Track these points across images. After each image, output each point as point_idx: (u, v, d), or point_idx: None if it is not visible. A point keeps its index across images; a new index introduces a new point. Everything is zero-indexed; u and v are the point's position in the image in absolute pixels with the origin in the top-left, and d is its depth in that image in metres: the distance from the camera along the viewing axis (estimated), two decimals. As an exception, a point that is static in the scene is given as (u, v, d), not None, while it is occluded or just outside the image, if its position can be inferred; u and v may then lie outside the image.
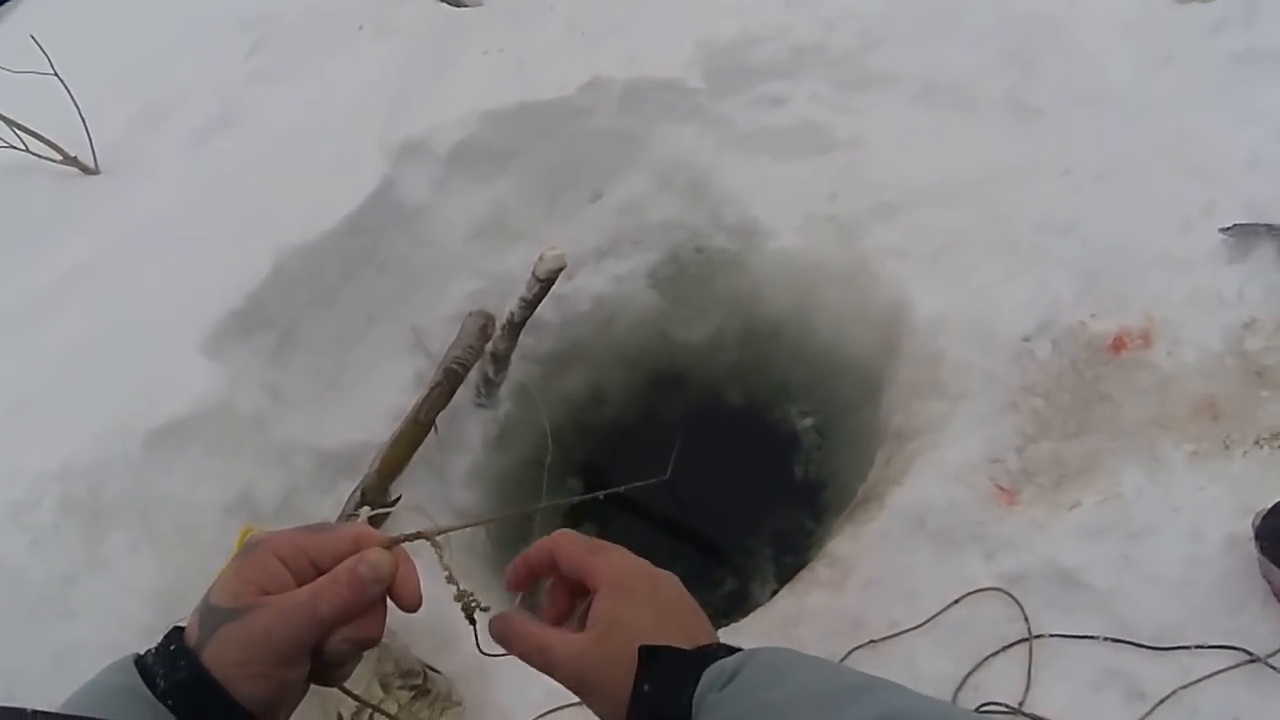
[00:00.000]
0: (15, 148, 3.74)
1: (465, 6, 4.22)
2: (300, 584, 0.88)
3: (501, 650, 0.98)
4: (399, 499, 3.21)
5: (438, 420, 3.34)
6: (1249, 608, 2.41)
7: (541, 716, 2.72)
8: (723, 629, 2.86)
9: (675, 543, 3.79)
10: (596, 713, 0.96)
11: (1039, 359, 3.03)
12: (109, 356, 3.07)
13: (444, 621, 3.00)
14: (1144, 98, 3.34)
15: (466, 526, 1.21)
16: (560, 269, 3.14)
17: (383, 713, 2.68)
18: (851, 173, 3.62)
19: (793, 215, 3.67)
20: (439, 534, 1.02)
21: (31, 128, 3.72)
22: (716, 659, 0.88)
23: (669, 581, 0.99)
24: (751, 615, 2.88)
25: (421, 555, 2.87)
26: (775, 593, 3.05)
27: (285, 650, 0.85)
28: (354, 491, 3.15)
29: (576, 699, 2.77)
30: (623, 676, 0.90)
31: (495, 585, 3.32)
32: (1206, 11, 3.31)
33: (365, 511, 3.04)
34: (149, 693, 0.82)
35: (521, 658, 0.98)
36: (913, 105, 3.67)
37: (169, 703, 0.81)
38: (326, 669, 0.91)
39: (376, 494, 3.16)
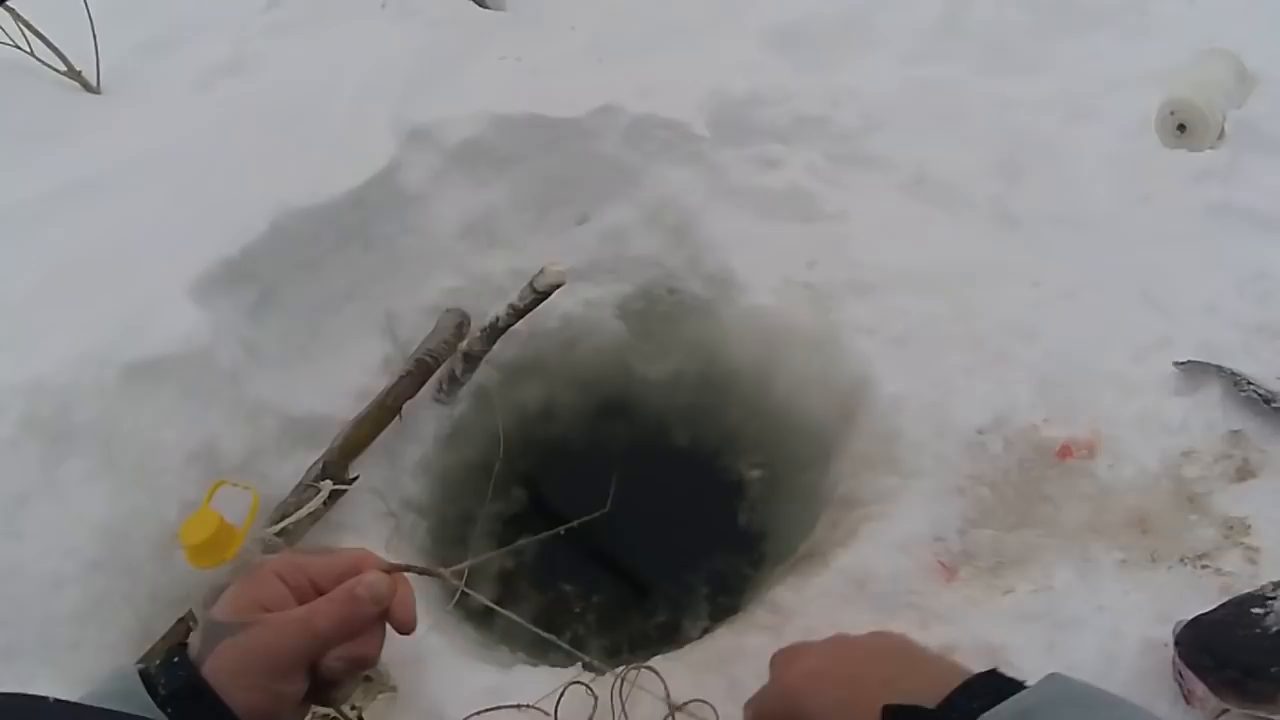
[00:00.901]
0: (20, 48, 3.66)
1: (489, 8, 4.29)
2: (300, 602, 0.94)
3: None
4: (357, 478, 3.23)
5: (402, 408, 3.38)
6: (1158, 705, 2.57)
7: (476, 715, 2.77)
8: (657, 657, 2.95)
9: (611, 571, 3.86)
10: None
11: (990, 452, 3.21)
12: (92, 280, 3.03)
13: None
14: (1118, 229, 3.57)
15: (469, 564, 1.31)
16: (559, 285, 3.22)
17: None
18: (833, 245, 3.77)
19: (770, 275, 3.80)
20: (451, 570, 1.11)
21: (40, 29, 3.65)
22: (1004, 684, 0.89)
23: (864, 646, 1.02)
24: (690, 645, 2.96)
25: (368, 535, 2.89)
26: (707, 629, 3.16)
27: (281, 664, 0.90)
28: (315, 463, 3.16)
29: (513, 702, 2.84)
30: None
31: (435, 583, 3.35)
32: (1191, 160, 3.58)
33: (328, 485, 3.05)
34: (149, 699, 0.87)
35: None
36: (901, 192, 3.85)
37: (168, 710, 0.86)
38: (324, 689, 0.96)
39: (337, 469, 3.17)
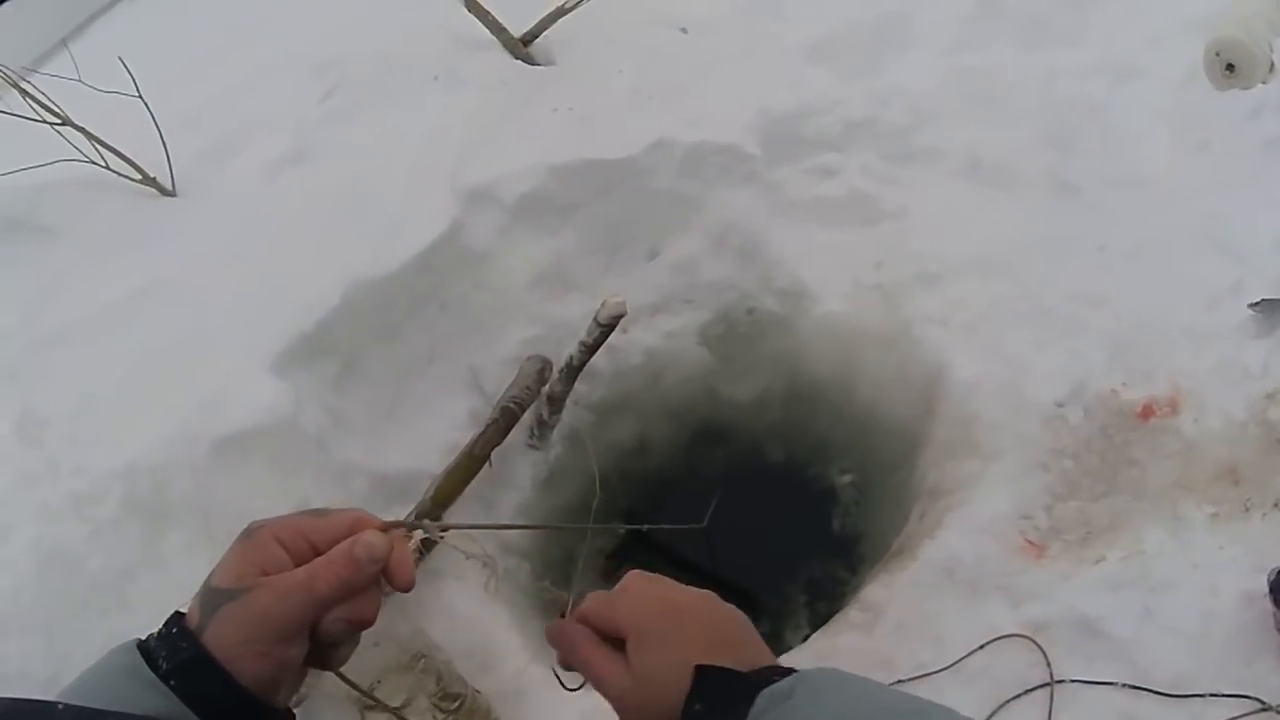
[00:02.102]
0: (96, 164, 3.91)
1: (538, 65, 4.46)
2: (299, 565, 0.90)
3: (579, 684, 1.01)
4: (449, 528, 3.36)
5: (491, 456, 3.51)
6: (1262, 659, 2.51)
7: (571, 740, 2.85)
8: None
9: (711, 587, 3.90)
10: None
11: (1070, 423, 3.17)
12: (177, 366, 3.24)
13: (484, 643, 3.17)
14: (1178, 180, 3.50)
15: (468, 528, 1.28)
16: (621, 315, 3.31)
17: (393, 712, 2.82)
18: (897, 243, 3.80)
19: (840, 281, 3.84)
20: (442, 529, 1.12)
21: (112, 144, 3.92)
22: (771, 682, 0.87)
23: (701, 609, 1.01)
24: (785, 655, 2.99)
25: (465, 578, 2.99)
26: (807, 636, 3.18)
27: (284, 628, 0.87)
28: (408, 515, 3.31)
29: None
30: (665, 713, 0.90)
31: (538, 618, 3.47)
32: (1244, 98, 3.47)
33: (419, 534, 3.19)
34: (151, 674, 0.84)
35: (572, 662, 1.00)
36: (956, 180, 3.85)
37: (171, 683, 0.84)
38: (324, 651, 0.93)
39: (431, 521, 3.32)
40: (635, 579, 1.03)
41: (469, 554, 1.10)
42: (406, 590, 0.95)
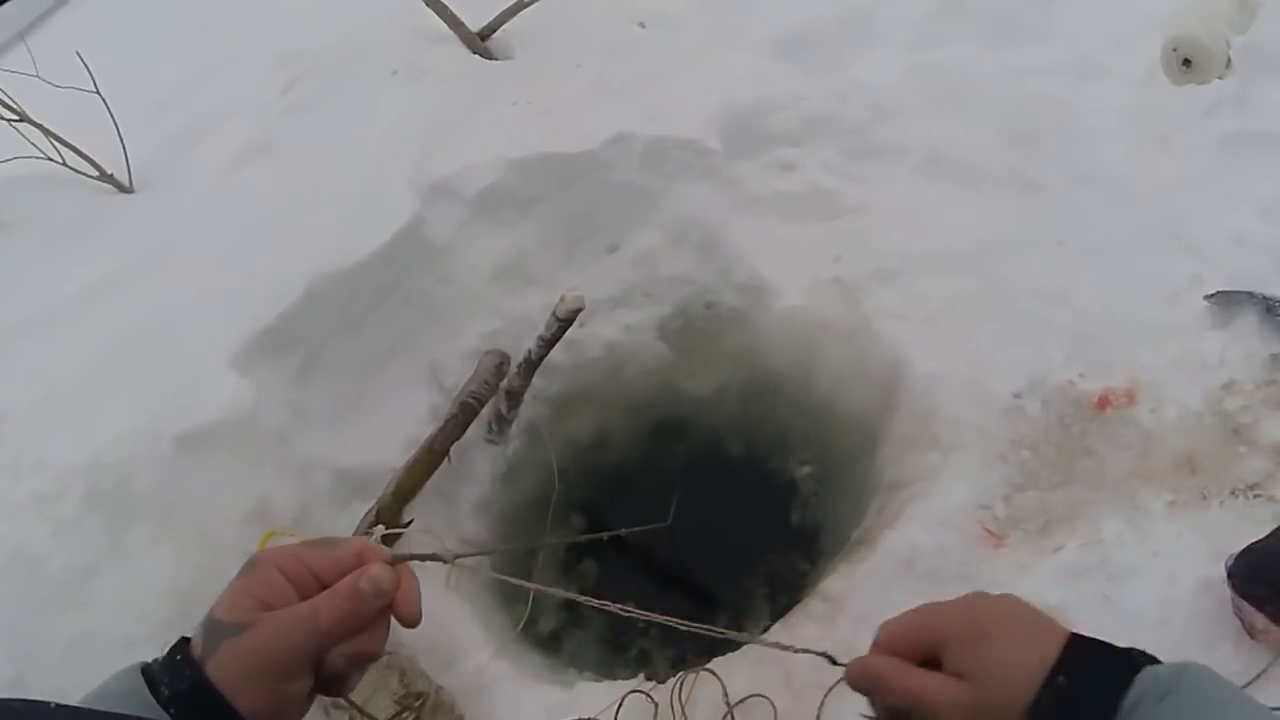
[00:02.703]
0: (53, 160, 3.88)
1: (495, 59, 4.43)
2: (303, 598, 0.88)
3: None
4: (411, 522, 3.32)
5: (451, 451, 3.47)
6: (1221, 645, 2.52)
7: (534, 733, 2.82)
8: (715, 659, 2.96)
9: (672, 582, 3.88)
10: None
11: (1029, 415, 3.18)
12: (138, 360, 3.20)
13: (446, 639, 3.12)
14: (1139, 177, 3.52)
15: (478, 554, 1.26)
16: (579, 310, 3.29)
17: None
18: (856, 238, 3.79)
19: (799, 276, 3.82)
20: (455, 558, 1.04)
21: (70, 140, 3.87)
22: (1145, 663, 0.83)
23: (1015, 604, 0.93)
24: (745, 648, 2.97)
25: (427, 571, 2.96)
26: (767, 628, 3.15)
27: (286, 664, 0.85)
28: (369, 511, 3.27)
29: (575, 717, 2.84)
30: (1009, 713, 0.84)
31: (500, 613, 3.42)
32: (1201, 94, 3.51)
33: (379, 530, 3.15)
34: (153, 699, 0.83)
35: (891, 702, 0.93)
36: (918, 176, 3.86)
37: (171, 711, 0.83)
38: (328, 683, 0.91)
39: (390, 515, 3.27)
40: (930, 605, 0.96)
41: (444, 559, 1.05)
42: (413, 625, 0.92)
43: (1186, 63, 3.53)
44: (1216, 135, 3.46)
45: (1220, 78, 3.49)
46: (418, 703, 2.91)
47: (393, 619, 0.92)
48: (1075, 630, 0.87)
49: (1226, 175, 3.39)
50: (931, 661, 0.91)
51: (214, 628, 0.85)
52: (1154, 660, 0.83)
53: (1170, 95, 3.56)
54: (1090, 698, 0.81)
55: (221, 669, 0.83)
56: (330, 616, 0.86)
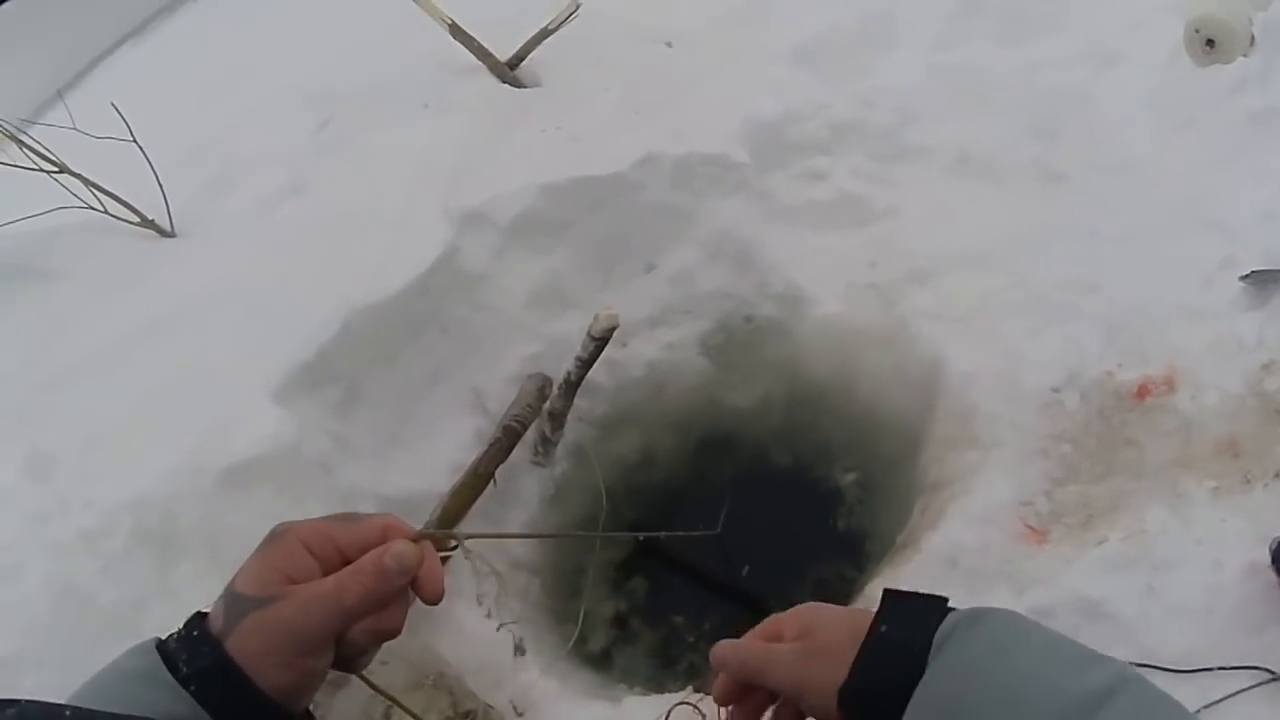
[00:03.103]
0: (94, 209, 3.98)
1: (524, 87, 4.50)
2: (326, 573, 0.88)
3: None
4: (457, 546, 3.37)
5: (496, 474, 3.52)
6: (1269, 629, 2.48)
7: (583, 749, 2.86)
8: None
9: (721, 592, 3.89)
10: (810, 705, 0.97)
11: (1067, 408, 3.16)
12: (181, 400, 3.27)
13: (495, 659, 3.16)
14: (1164, 161, 3.50)
15: (499, 536, 1.25)
16: (614, 328, 3.33)
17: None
18: (889, 242, 3.81)
19: (835, 283, 3.84)
20: (469, 538, 1.05)
21: (109, 189, 3.97)
22: (953, 610, 0.90)
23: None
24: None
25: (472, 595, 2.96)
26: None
27: (310, 640, 0.84)
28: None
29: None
30: (840, 656, 0.92)
31: (546, 631, 3.47)
32: (1226, 74, 3.48)
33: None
34: (171, 678, 0.82)
35: (740, 666, 1.02)
36: (945, 176, 3.87)
37: (191, 688, 0.82)
38: (346, 659, 0.91)
39: (437, 541, 3.32)
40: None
41: (489, 568, 1.08)
42: (435, 603, 0.92)
43: (1210, 43, 3.50)
44: (1243, 113, 3.42)
45: (1244, 56, 3.46)
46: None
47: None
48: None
49: (1254, 153, 3.35)
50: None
51: (236, 600, 0.85)
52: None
53: (1193, 77, 3.53)
54: (909, 633, 0.88)
55: (244, 644, 0.83)
56: (356, 593, 0.86)
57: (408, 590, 0.91)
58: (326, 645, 0.86)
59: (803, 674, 0.95)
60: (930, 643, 0.86)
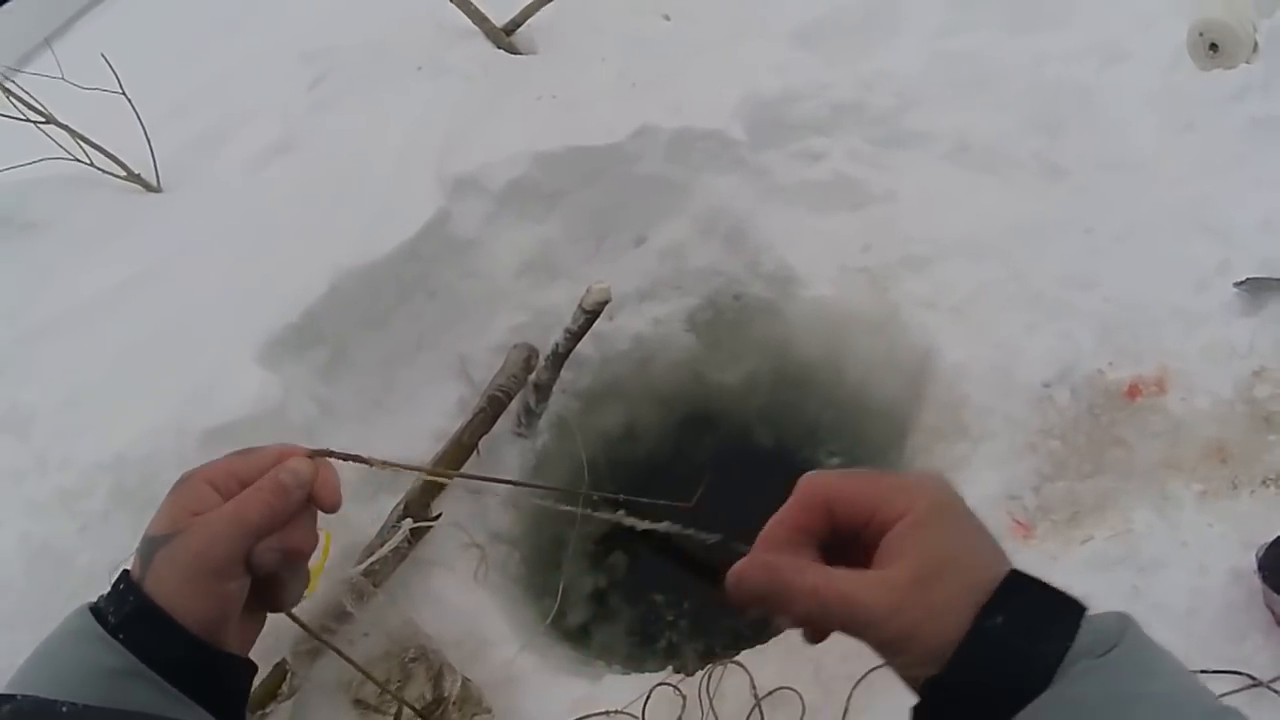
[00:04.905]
0: (80, 161, 3.91)
1: (520, 54, 4.44)
2: None
3: None
4: (440, 515, 3.35)
5: (479, 444, 3.50)
6: (1251, 636, 2.51)
7: (568, 725, 2.86)
8: (744, 652, 2.99)
9: (701, 577, 3.90)
10: (904, 670, 0.76)
11: (1058, 404, 3.17)
12: (164, 358, 3.24)
13: (475, 632, 3.16)
14: (1165, 162, 3.51)
15: (404, 467, 1.24)
16: (605, 301, 3.30)
17: (395, 696, 2.81)
18: (884, 226, 3.79)
19: (827, 265, 3.83)
20: (382, 464, 1.08)
21: (96, 141, 3.90)
22: (1085, 611, 0.74)
23: (962, 507, 0.81)
24: (775, 639, 2.99)
25: (456, 563, 2.95)
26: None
27: (217, 562, 0.86)
28: (397, 505, 3.30)
29: (602, 709, 2.85)
30: (954, 623, 0.72)
31: (529, 606, 3.46)
32: (1228, 79, 3.48)
33: (408, 523, 3.18)
34: (102, 630, 0.84)
35: (800, 618, 0.80)
36: (944, 163, 3.86)
37: (120, 637, 0.83)
38: (269, 590, 0.93)
39: (419, 509, 3.30)
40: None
41: (369, 462, 1.06)
42: (333, 511, 0.94)
43: (1213, 47, 3.50)
44: (1244, 119, 3.43)
45: (1248, 62, 3.46)
46: (438, 710, 2.96)
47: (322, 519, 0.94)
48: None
49: (1254, 160, 3.36)
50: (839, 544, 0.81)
51: (147, 544, 0.88)
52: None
53: (1196, 80, 3.53)
54: (1033, 644, 0.71)
55: (158, 580, 0.85)
56: (255, 509, 0.88)
57: (312, 509, 0.93)
58: (235, 566, 0.87)
59: (914, 636, 0.73)
60: (1059, 657, 0.70)
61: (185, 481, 0.91)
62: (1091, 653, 0.70)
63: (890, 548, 0.76)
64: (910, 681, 0.76)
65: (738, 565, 0.81)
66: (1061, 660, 0.70)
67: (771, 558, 0.81)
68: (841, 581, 0.76)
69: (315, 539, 0.95)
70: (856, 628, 0.75)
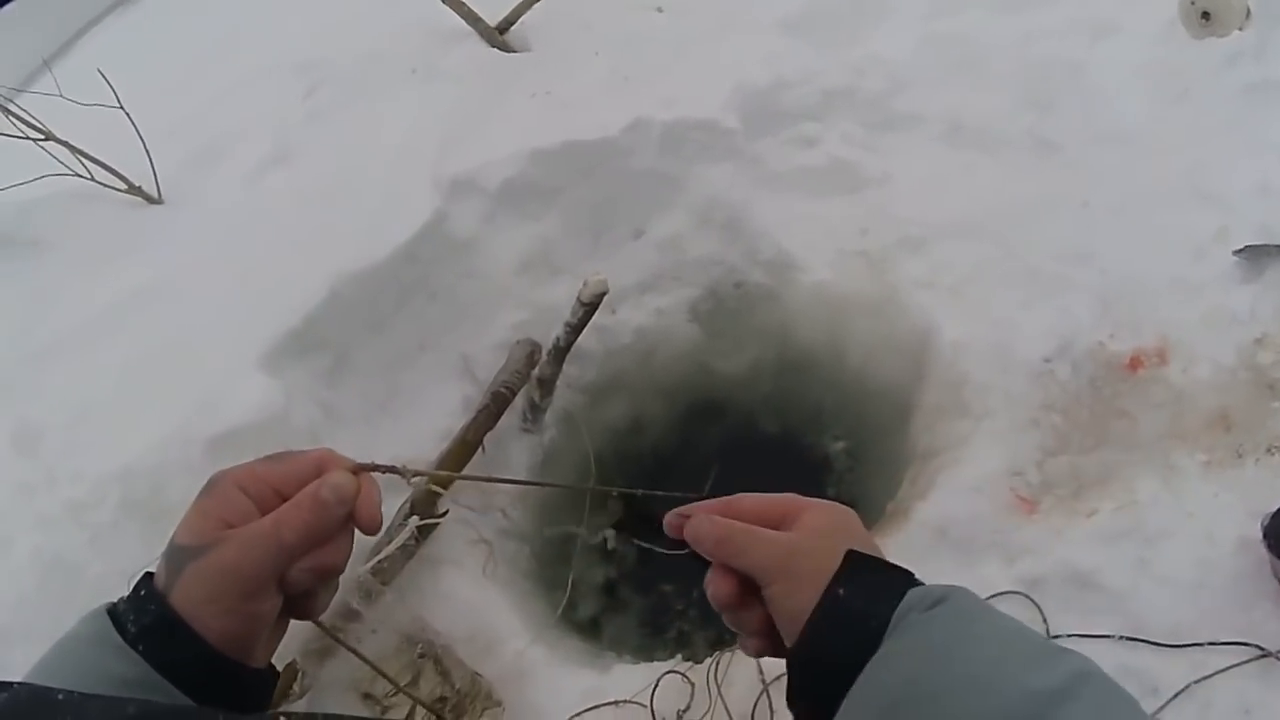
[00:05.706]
0: (81, 176, 3.92)
1: (513, 52, 4.45)
2: (264, 513, 0.86)
3: None
4: (446, 512, 3.36)
5: (485, 442, 3.50)
6: (1260, 605, 2.50)
7: (576, 716, 2.86)
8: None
9: (709, 566, 3.90)
10: (778, 606, 0.89)
11: (1059, 379, 3.16)
12: (169, 369, 3.25)
13: (485, 627, 3.16)
14: (1159, 133, 3.49)
15: (447, 477, 1.21)
16: (603, 293, 3.30)
17: (409, 694, 2.82)
18: (880, 209, 3.79)
19: (825, 250, 3.82)
20: (415, 475, 1.03)
21: (97, 157, 3.92)
22: (919, 584, 0.86)
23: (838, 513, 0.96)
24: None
25: (466, 559, 2.97)
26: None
27: (251, 582, 0.83)
28: (404, 503, 3.30)
29: (611, 699, 2.88)
30: (823, 572, 0.86)
31: (539, 600, 3.46)
32: (1221, 46, 3.46)
33: (414, 521, 3.18)
34: (119, 639, 0.80)
35: (717, 542, 0.95)
36: (938, 144, 3.85)
37: (139, 648, 0.80)
38: (299, 601, 0.89)
39: (425, 507, 3.31)
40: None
41: (403, 474, 1.03)
42: (373, 533, 0.90)
43: (1205, 16, 3.46)
44: (1237, 86, 3.42)
45: (1240, 29, 3.43)
46: (449, 705, 2.97)
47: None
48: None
49: (1249, 126, 3.35)
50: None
51: (175, 553, 0.84)
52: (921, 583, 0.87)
53: (1188, 49, 3.50)
54: (868, 605, 0.84)
55: (186, 595, 0.82)
56: (293, 527, 0.84)
57: (349, 524, 0.89)
58: (268, 586, 0.84)
59: (791, 565, 0.89)
60: (889, 619, 0.83)
61: (216, 485, 0.88)
62: (919, 608, 0.82)
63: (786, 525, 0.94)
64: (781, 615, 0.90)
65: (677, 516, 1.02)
66: (891, 616, 0.83)
67: (707, 514, 1.00)
68: (752, 532, 0.94)
69: (349, 554, 0.90)
70: (749, 549, 0.92)
